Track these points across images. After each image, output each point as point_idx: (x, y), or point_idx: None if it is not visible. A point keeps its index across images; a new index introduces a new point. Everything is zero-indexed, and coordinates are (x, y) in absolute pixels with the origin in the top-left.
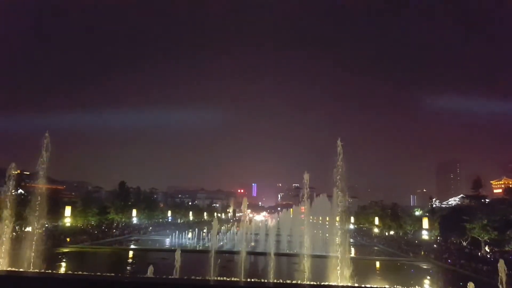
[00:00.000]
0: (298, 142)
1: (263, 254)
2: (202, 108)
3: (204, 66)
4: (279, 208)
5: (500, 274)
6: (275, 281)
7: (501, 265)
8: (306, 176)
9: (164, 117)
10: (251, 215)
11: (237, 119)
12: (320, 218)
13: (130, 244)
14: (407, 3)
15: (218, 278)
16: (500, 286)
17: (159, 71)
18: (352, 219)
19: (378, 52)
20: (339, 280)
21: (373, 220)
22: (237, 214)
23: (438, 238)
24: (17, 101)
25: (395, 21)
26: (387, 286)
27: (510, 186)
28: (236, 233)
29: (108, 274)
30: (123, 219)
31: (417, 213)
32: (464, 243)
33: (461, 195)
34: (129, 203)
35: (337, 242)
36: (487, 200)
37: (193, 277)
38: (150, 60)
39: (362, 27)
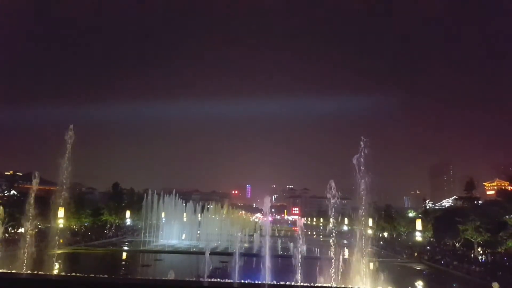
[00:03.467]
0: (292, 144)
1: (256, 255)
2: (197, 110)
3: (200, 68)
4: (273, 210)
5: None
6: (269, 282)
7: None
8: None
9: (158, 118)
10: (245, 217)
11: (231, 121)
12: (314, 219)
13: (124, 246)
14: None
15: (212, 280)
16: None
17: (155, 71)
18: (346, 221)
19: (372, 54)
20: (332, 282)
21: (367, 222)
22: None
23: (432, 239)
24: (10, 100)
25: (392, 23)
26: (380, 287)
27: (503, 187)
28: (230, 235)
29: (101, 276)
30: (117, 221)
31: (411, 214)
32: (457, 245)
33: (454, 196)
34: (123, 204)
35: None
36: (480, 201)
37: (187, 279)
38: (146, 59)
39: (357, 28)
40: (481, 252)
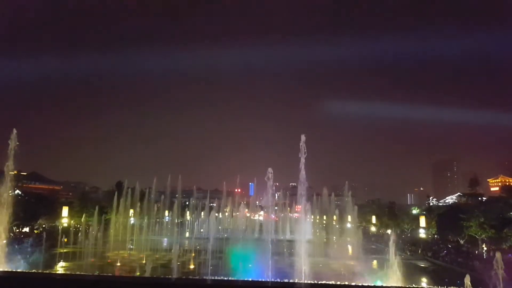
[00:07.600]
0: (295, 142)
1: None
2: (196, 108)
3: (201, 63)
4: (276, 207)
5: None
6: (272, 280)
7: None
8: None
9: (159, 116)
10: (248, 215)
11: (234, 119)
12: (318, 217)
13: (128, 245)
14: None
15: (215, 278)
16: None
17: (152, 70)
18: (349, 218)
19: (375, 49)
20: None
21: (371, 219)
22: (234, 214)
23: (436, 236)
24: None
25: (392, 21)
26: (384, 284)
27: (507, 184)
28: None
29: (105, 274)
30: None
31: (414, 211)
32: (461, 241)
33: (458, 193)
34: (126, 203)
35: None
36: (484, 198)
37: (190, 277)
38: (143, 54)
39: (360, 22)
40: (485, 249)
